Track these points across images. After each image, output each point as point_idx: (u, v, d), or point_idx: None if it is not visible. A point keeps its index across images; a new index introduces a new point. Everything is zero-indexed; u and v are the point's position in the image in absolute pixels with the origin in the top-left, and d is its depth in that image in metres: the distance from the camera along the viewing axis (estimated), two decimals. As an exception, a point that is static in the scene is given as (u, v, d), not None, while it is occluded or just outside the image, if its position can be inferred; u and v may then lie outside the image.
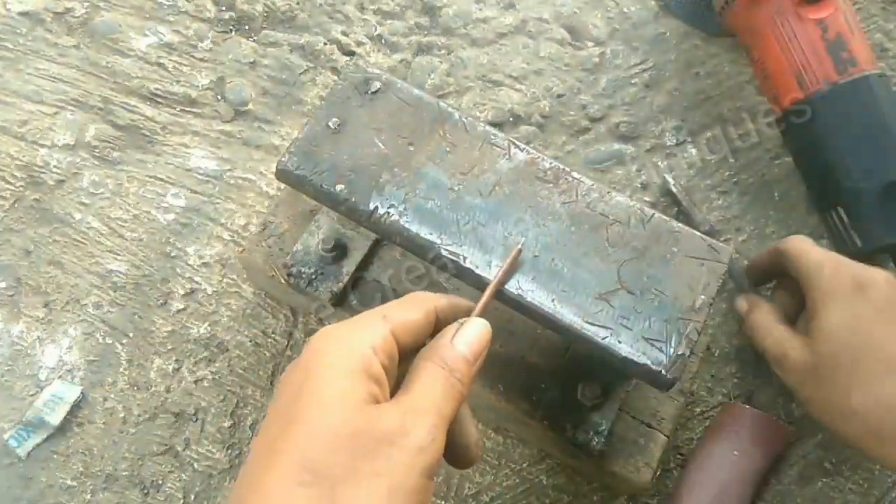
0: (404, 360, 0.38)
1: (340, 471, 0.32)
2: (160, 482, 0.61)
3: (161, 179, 0.70)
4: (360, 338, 0.36)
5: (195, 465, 0.61)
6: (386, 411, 0.34)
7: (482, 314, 0.40)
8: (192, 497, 0.60)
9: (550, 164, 0.50)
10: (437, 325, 0.40)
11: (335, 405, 0.33)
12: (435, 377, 0.36)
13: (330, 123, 0.51)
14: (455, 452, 0.38)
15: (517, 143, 0.51)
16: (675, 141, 0.71)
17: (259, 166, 0.70)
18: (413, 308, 0.39)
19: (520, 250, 0.46)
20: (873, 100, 0.60)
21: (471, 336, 0.38)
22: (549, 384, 0.55)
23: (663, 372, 0.44)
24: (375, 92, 0.52)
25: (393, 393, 0.36)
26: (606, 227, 0.48)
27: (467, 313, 0.40)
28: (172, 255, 0.67)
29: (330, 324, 0.63)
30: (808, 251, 0.54)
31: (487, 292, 0.43)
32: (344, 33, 0.76)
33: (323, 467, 0.32)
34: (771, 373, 0.61)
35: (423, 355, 0.37)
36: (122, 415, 0.62)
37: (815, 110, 0.62)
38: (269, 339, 0.64)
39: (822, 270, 0.52)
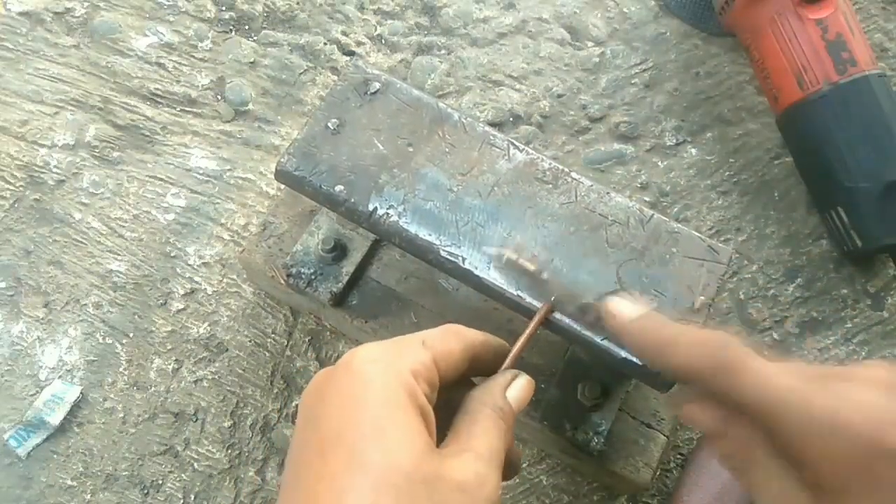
0: (441, 392, 0.36)
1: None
2: (160, 482, 0.61)
3: (161, 179, 0.70)
4: (404, 363, 0.34)
5: (195, 465, 0.61)
6: (456, 460, 0.32)
7: (514, 364, 0.40)
8: (192, 497, 0.61)
9: (550, 164, 0.50)
10: (472, 362, 0.38)
11: (402, 447, 0.31)
12: (495, 426, 0.35)
13: (329, 124, 0.51)
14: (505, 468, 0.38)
15: (516, 143, 0.51)
16: (675, 141, 0.71)
17: (259, 166, 0.70)
18: (453, 340, 0.37)
19: (551, 308, 0.46)
20: (873, 100, 0.60)
21: (522, 392, 0.38)
22: (549, 384, 0.55)
23: (662, 373, 0.44)
24: (375, 93, 0.52)
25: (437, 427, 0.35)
26: (606, 227, 0.48)
27: (499, 352, 0.40)
28: (172, 255, 0.67)
29: (329, 324, 0.63)
30: (776, 399, 0.33)
31: (519, 343, 0.42)
32: (344, 33, 0.76)
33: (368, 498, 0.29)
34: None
35: (480, 399, 0.36)
36: (121, 415, 0.63)
37: (815, 110, 0.62)
38: (269, 340, 0.64)
39: (824, 444, 0.31)
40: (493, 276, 0.47)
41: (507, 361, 0.40)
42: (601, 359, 0.46)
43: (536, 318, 0.44)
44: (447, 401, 0.36)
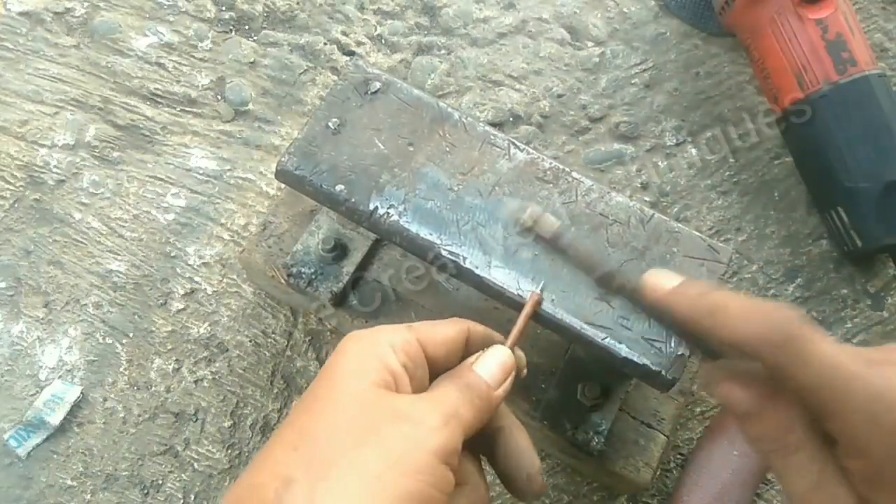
0: (435, 372, 0.38)
1: (341, 440, 0.32)
2: (160, 482, 0.61)
3: (161, 179, 0.70)
4: (381, 336, 0.37)
5: (195, 465, 0.61)
6: (400, 397, 0.34)
7: (513, 347, 0.40)
8: (192, 497, 0.60)
9: (550, 164, 0.50)
10: (469, 348, 0.40)
11: (344, 381, 0.34)
12: (452, 386, 0.36)
13: (329, 124, 0.51)
14: (518, 483, 0.38)
15: (517, 143, 0.51)
16: (675, 141, 0.71)
17: (259, 166, 0.70)
18: (444, 324, 0.39)
19: (540, 299, 0.45)
20: (873, 100, 0.60)
21: (491, 362, 0.38)
22: (549, 384, 0.55)
23: (663, 372, 0.44)
24: (375, 92, 0.52)
25: None
26: (606, 227, 0.48)
27: (500, 342, 0.40)
28: (172, 255, 0.67)
29: (330, 324, 0.63)
30: (844, 382, 0.30)
31: (513, 334, 0.41)
32: (344, 33, 0.76)
33: (323, 435, 0.32)
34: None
35: (443, 376, 0.38)
36: (122, 415, 0.63)
37: (815, 110, 0.62)
38: (269, 339, 0.64)
39: (881, 423, 0.30)
40: (494, 276, 0.47)
41: (507, 345, 0.40)
42: (601, 359, 0.46)
43: (526, 308, 0.44)
44: None
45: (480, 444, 0.39)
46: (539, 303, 0.45)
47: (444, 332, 0.39)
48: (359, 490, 0.31)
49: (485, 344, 0.40)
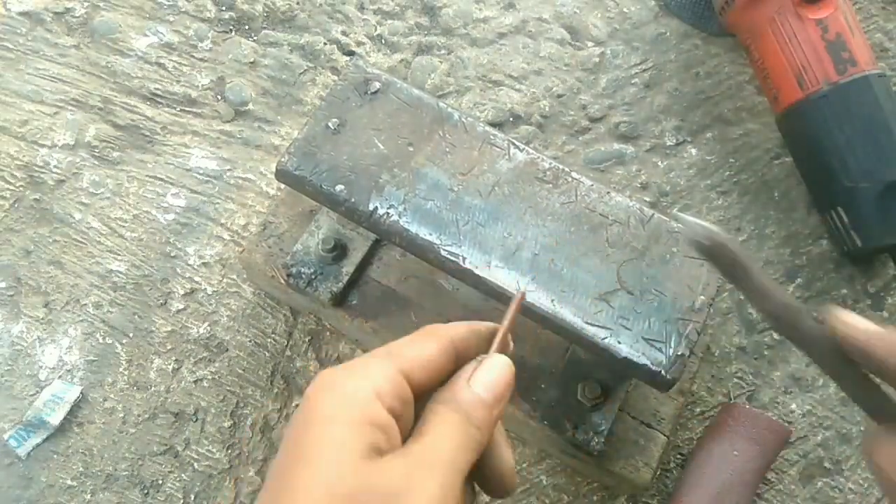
0: (422, 400, 0.34)
1: None
2: (160, 482, 0.61)
3: (161, 179, 0.70)
4: (361, 383, 0.32)
5: (195, 465, 0.61)
6: (390, 466, 0.30)
7: (503, 349, 0.37)
8: (192, 497, 0.60)
9: (550, 164, 0.50)
10: (458, 358, 0.36)
11: (330, 462, 0.30)
12: (448, 424, 0.32)
13: (329, 124, 0.51)
14: (490, 481, 0.35)
15: (517, 143, 0.51)
16: (674, 141, 0.71)
17: (259, 166, 0.70)
18: (424, 341, 0.35)
19: (523, 294, 0.43)
20: (873, 100, 0.60)
21: (490, 376, 0.34)
22: (549, 384, 0.55)
23: (663, 372, 0.44)
24: (375, 92, 0.52)
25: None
26: (606, 227, 0.48)
27: (490, 339, 0.37)
28: (172, 255, 0.67)
29: (329, 324, 0.63)
30: None
31: (501, 332, 0.38)
32: (344, 33, 0.76)
33: None
34: (771, 372, 0.61)
35: (436, 398, 0.33)
36: (121, 415, 0.63)
37: (815, 110, 0.62)
38: (269, 340, 0.64)
39: None
40: (494, 276, 0.47)
41: (491, 350, 0.36)
42: (601, 359, 0.46)
43: (514, 304, 0.40)
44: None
45: None
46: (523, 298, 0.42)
47: (427, 354, 0.34)
48: None
49: (474, 343, 0.36)
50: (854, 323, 0.33)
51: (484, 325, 0.37)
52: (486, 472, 0.34)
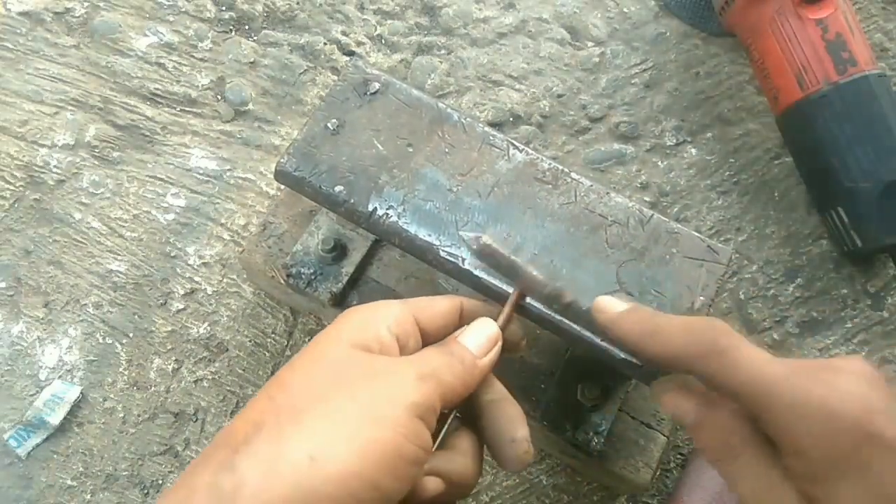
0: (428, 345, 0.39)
1: (315, 391, 0.33)
2: (160, 482, 0.61)
3: (161, 179, 0.70)
4: (375, 309, 0.38)
5: (195, 465, 0.61)
6: (379, 357, 0.35)
7: (504, 326, 0.41)
8: (192, 497, 0.60)
9: (549, 164, 0.50)
10: (463, 320, 0.41)
11: (328, 343, 0.36)
12: (434, 351, 0.37)
13: (329, 124, 0.51)
14: (503, 448, 0.38)
15: (516, 143, 0.51)
16: (674, 141, 0.71)
17: (259, 166, 0.70)
18: (439, 298, 0.40)
19: (522, 293, 0.45)
20: (873, 100, 0.60)
21: (476, 332, 0.39)
22: (549, 384, 0.55)
23: (662, 373, 0.44)
24: (374, 93, 0.52)
25: None
26: (605, 227, 0.48)
27: (494, 318, 0.41)
28: (172, 255, 0.67)
29: (329, 324, 0.63)
30: (768, 384, 0.33)
31: (507, 307, 0.43)
32: (344, 33, 0.76)
33: (298, 387, 0.33)
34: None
35: (429, 346, 0.38)
36: (121, 415, 0.63)
37: (815, 110, 0.62)
38: (269, 340, 0.64)
39: (815, 432, 0.32)
40: (494, 277, 0.47)
41: (498, 323, 0.41)
42: (601, 359, 0.46)
43: (511, 299, 0.44)
44: None
45: (471, 418, 0.39)
46: (522, 296, 0.45)
47: (438, 305, 0.40)
48: (328, 434, 0.31)
49: (478, 316, 0.41)
50: (604, 307, 0.41)
51: (492, 308, 0.42)
52: (496, 437, 0.38)
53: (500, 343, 0.40)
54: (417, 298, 0.40)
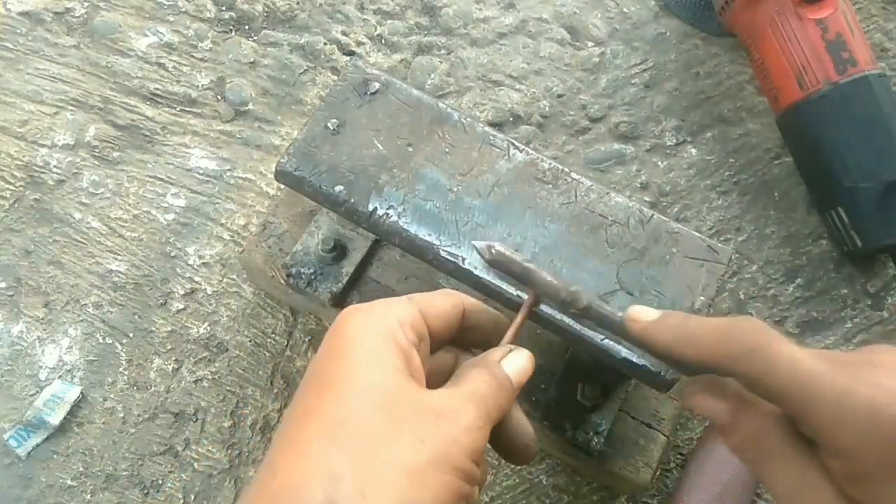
0: (434, 347, 0.38)
1: (377, 430, 0.31)
2: (160, 482, 0.61)
3: (161, 179, 0.70)
4: (388, 311, 0.36)
5: (195, 465, 0.61)
6: (431, 392, 0.34)
7: (514, 340, 0.41)
8: (192, 497, 0.61)
9: (549, 164, 0.50)
10: (465, 320, 0.40)
11: (367, 367, 0.33)
12: (483, 380, 0.36)
13: (329, 124, 0.51)
14: (514, 450, 0.38)
15: (516, 143, 0.51)
16: (674, 141, 0.71)
17: (259, 166, 0.70)
18: (440, 296, 0.39)
19: (537, 299, 0.44)
20: (873, 100, 0.60)
21: (518, 364, 0.38)
22: (549, 384, 0.55)
23: (662, 373, 0.44)
24: (374, 93, 0.52)
25: (428, 382, 0.36)
26: (605, 227, 0.48)
27: (497, 326, 0.41)
28: (172, 255, 0.67)
29: (329, 324, 0.63)
30: (809, 384, 0.32)
31: (515, 324, 0.42)
32: (344, 33, 0.76)
33: (359, 425, 0.31)
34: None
35: (472, 363, 0.37)
36: (121, 415, 0.63)
37: (815, 110, 0.62)
38: (269, 339, 0.64)
39: (862, 433, 0.30)
40: (493, 276, 0.47)
41: (506, 338, 0.41)
42: (601, 359, 0.46)
43: (524, 308, 0.44)
44: (442, 366, 0.39)
45: None
46: (536, 303, 0.45)
47: (442, 305, 0.39)
48: (404, 485, 0.30)
49: (482, 316, 0.40)
50: (637, 316, 0.39)
51: (495, 312, 0.41)
52: (509, 440, 0.38)
53: (531, 376, 0.39)
54: (421, 295, 0.39)
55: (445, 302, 0.39)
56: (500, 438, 0.38)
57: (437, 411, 0.32)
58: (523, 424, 0.39)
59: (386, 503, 0.29)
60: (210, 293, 0.66)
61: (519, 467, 0.61)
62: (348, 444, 0.30)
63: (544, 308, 0.45)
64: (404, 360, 0.34)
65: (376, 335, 0.34)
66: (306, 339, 0.64)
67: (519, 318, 0.42)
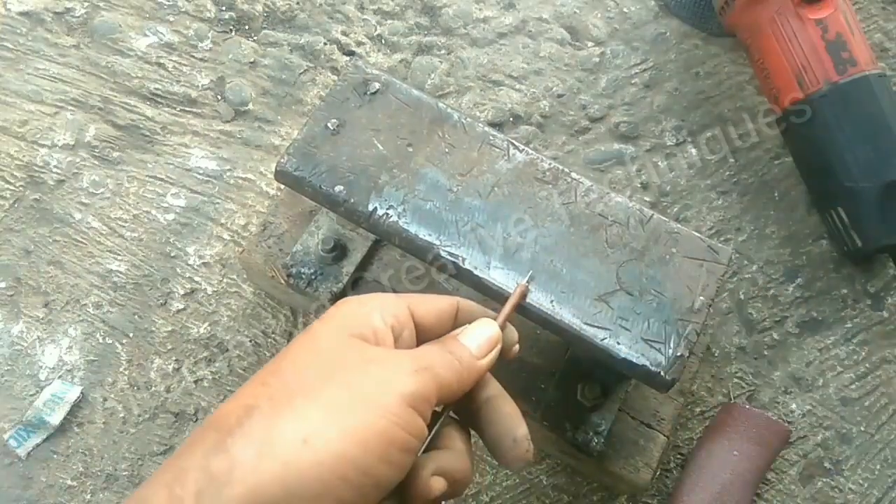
0: (425, 337, 0.39)
1: (310, 377, 0.33)
2: (160, 482, 0.61)
3: (161, 179, 0.70)
4: (371, 300, 0.38)
5: (195, 465, 0.61)
6: (374, 347, 0.35)
7: (503, 324, 0.41)
8: (192, 497, 0.60)
9: (549, 164, 0.50)
10: (459, 322, 0.40)
11: (322, 331, 0.36)
12: (433, 347, 0.37)
13: (329, 124, 0.51)
14: (504, 448, 0.38)
15: (516, 143, 0.51)
16: (674, 141, 0.71)
17: (259, 166, 0.70)
18: (434, 295, 0.40)
19: (526, 290, 0.45)
20: (873, 100, 0.60)
21: (476, 333, 0.39)
22: (549, 384, 0.55)
23: (662, 373, 0.44)
24: (374, 93, 0.52)
25: None
26: (605, 227, 0.48)
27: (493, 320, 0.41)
28: (172, 255, 0.67)
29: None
30: None
31: (505, 308, 0.42)
32: (344, 33, 0.76)
33: (291, 373, 0.33)
34: (771, 372, 0.62)
35: (428, 343, 0.38)
36: (122, 415, 0.63)
37: (815, 110, 0.62)
38: (269, 340, 0.64)
39: None
40: (493, 276, 0.47)
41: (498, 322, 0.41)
42: (601, 359, 0.46)
43: (514, 294, 0.44)
44: None
45: (468, 417, 0.39)
46: (524, 293, 0.45)
47: (433, 301, 0.40)
48: (321, 418, 0.31)
49: (475, 316, 0.41)
50: None
51: (490, 313, 0.42)
52: (497, 434, 0.38)
53: (499, 345, 0.40)
54: (413, 294, 0.40)
55: (438, 299, 0.40)
56: (486, 430, 0.39)
57: (373, 359, 0.34)
58: (511, 417, 0.39)
59: (297, 433, 0.30)
60: (210, 293, 0.66)
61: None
62: (274, 386, 0.33)
63: (534, 304, 0.45)
64: (368, 333, 0.36)
65: (347, 312, 0.37)
66: (306, 339, 0.64)
67: (507, 308, 0.42)
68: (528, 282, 0.46)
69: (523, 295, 0.45)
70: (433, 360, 0.35)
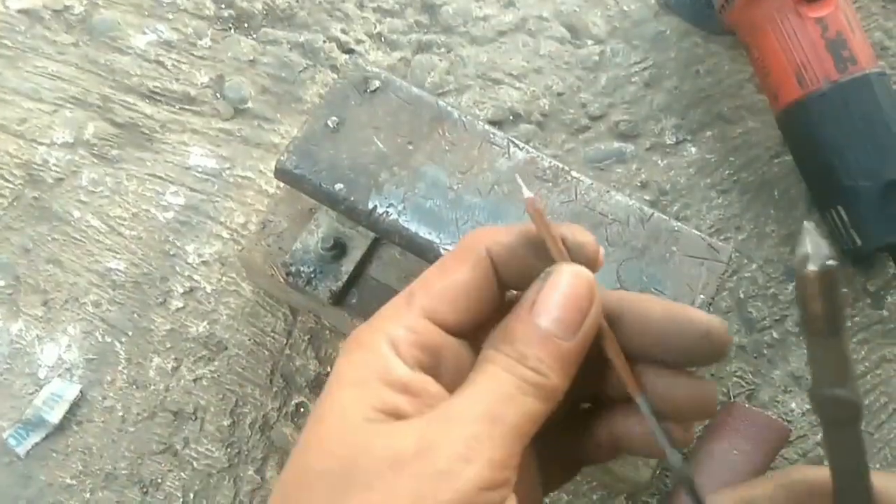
0: (479, 339, 0.29)
1: (326, 488, 0.25)
2: (159, 481, 0.61)
3: (160, 177, 0.70)
4: (378, 337, 0.28)
5: (194, 464, 0.61)
6: (400, 428, 0.25)
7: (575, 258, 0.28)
8: (192, 496, 0.60)
9: (549, 162, 0.50)
10: (500, 274, 0.29)
11: (336, 414, 0.27)
12: (493, 372, 0.26)
13: (329, 122, 0.51)
14: (690, 342, 0.28)
15: (516, 141, 0.51)
16: (674, 139, 0.71)
17: (258, 164, 0.70)
18: (452, 268, 0.29)
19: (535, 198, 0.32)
20: (873, 99, 0.60)
21: (558, 299, 0.26)
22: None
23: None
24: (374, 91, 0.52)
25: None
26: (605, 226, 0.48)
27: (541, 248, 0.28)
28: (171, 253, 0.67)
29: (329, 322, 0.63)
30: None
31: (549, 237, 0.29)
32: (343, 31, 0.76)
33: (307, 487, 0.26)
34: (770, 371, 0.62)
35: (488, 340, 0.28)
36: (121, 413, 0.62)
37: (814, 109, 0.62)
38: (269, 338, 0.64)
39: None
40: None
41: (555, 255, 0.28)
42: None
43: (537, 215, 0.29)
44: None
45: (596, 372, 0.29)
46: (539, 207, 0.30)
47: (455, 283, 0.28)
48: None
49: (522, 252, 0.29)
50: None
51: (532, 229, 0.29)
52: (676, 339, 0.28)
53: (595, 295, 0.27)
54: (425, 282, 0.29)
55: (459, 276, 0.28)
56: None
57: (396, 459, 0.25)
58: (672, 310, 0.28)
59: None
60: (209, 292, 0.66)
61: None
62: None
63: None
64: (391, 399, 0.26)
65: (359, 371, 0.27)
66: (306, 338, 0.64)
67: (549, 234, 0.29)
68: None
69: (540, 211, 0.30)
70: (499, 409, 0.25)
